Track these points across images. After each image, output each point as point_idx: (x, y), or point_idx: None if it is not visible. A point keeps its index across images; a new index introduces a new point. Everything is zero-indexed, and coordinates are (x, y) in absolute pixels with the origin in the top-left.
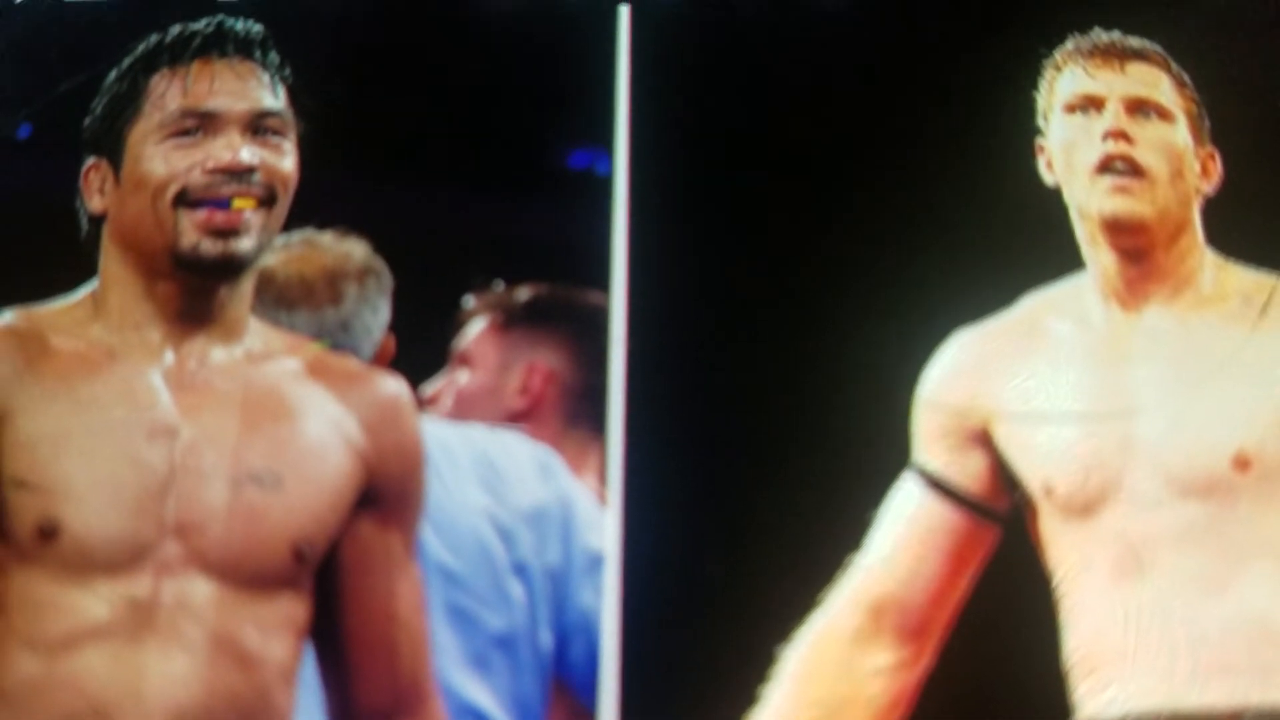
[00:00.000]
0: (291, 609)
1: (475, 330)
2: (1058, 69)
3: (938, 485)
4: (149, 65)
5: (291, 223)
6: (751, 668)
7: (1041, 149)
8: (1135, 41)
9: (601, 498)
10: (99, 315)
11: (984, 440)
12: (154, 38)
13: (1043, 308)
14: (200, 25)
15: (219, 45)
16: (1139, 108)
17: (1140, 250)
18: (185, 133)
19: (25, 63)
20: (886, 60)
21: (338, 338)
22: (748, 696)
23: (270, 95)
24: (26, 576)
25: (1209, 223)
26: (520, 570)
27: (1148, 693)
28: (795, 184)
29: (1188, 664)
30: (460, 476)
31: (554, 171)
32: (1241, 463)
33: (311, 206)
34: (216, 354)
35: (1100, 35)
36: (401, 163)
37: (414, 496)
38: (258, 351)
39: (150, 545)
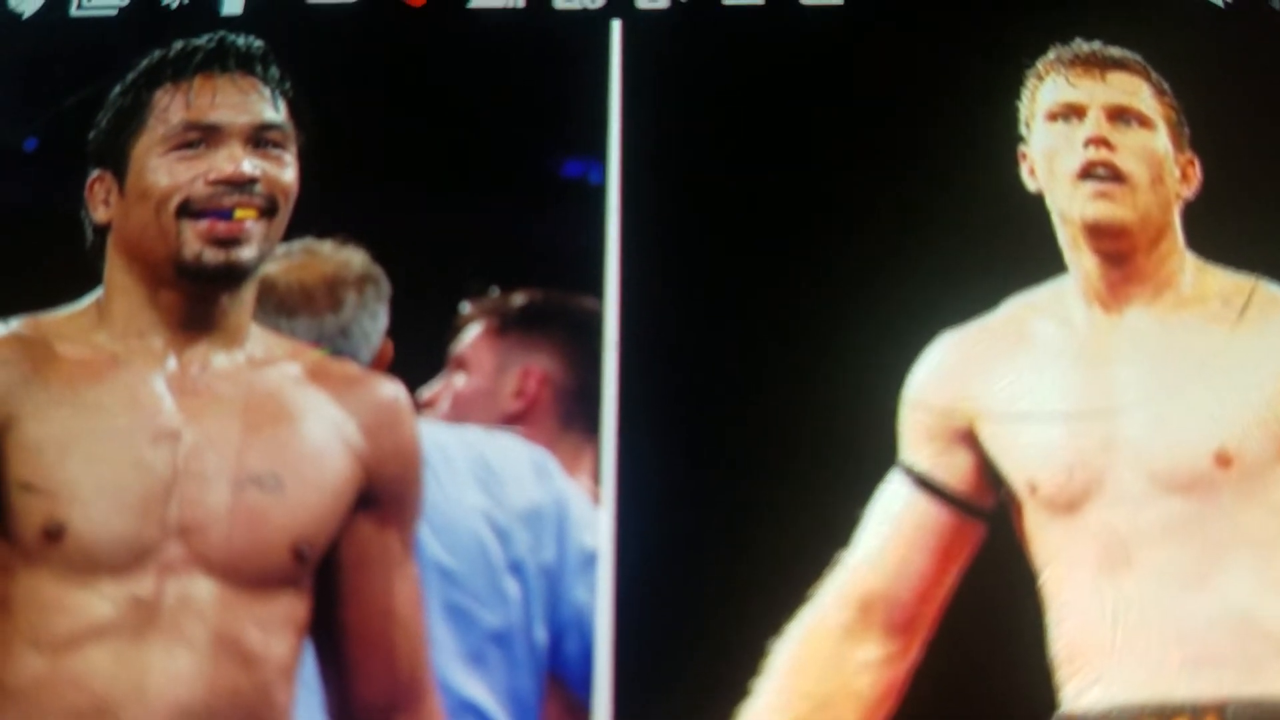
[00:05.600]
0: (292, 608)
1: (471, 335)
2: (1040, 78)
3: (924, 483)
4: (153, 80)
5: (292, 232)
6: (742, 662)
7: (1024, 156)
8: (1116, 51)
9: (595, 497)
10: (103, 323)
11: (969, 439)
12: (157, 53)
13: (1026, 310)
14: (203, 41)
15: (221, 60)
16: (1120, 115)
17: (1121, 254)
18: (188, 145)
19: (32, 77)
20: (874, 71)
21: (337, 343)
22: (739, 690)
23: (271, 108)
24: (32, 577)
25: (1189, 226)
26: (516, 568)
27: (1134, 687)
28: (783, 191)
29: (1173, 658)
30: (457, 478)
31: (548, 180)
32: (1223, 460)
33: (312, 216)
34: (218, 360)
35: (1081, 45)
36: (399, 173)
37: (412, 497)
38: (259, 357)
39: (153, 546)
